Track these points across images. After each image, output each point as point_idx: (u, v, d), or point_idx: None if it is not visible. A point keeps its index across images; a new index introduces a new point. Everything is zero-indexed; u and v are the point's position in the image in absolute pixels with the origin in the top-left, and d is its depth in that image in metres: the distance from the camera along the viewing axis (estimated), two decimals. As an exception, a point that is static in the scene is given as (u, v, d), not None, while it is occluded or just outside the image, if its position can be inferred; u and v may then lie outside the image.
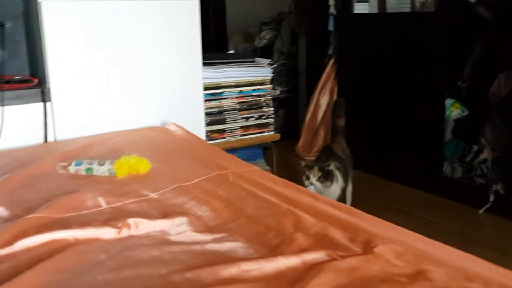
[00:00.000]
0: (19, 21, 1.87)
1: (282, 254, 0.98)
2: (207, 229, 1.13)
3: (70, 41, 1.84)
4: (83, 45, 1.86)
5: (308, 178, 2.18)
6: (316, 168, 2.18)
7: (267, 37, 4.41)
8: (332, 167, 2.19)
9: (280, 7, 4.53)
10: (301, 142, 3.62)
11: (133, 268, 0.95)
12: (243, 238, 1.07)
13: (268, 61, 2.43)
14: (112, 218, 1.16)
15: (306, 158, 3.47)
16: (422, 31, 2.82)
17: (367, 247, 0.99)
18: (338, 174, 2.27)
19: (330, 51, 3.51)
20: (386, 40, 3.05)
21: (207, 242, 1.06)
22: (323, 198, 1.29)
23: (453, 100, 2.83)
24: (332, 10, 3.43)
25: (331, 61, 3.49)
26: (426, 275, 0.88)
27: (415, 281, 0.86)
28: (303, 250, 1.00)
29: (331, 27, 3.46)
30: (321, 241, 1.03)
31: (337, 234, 1.06)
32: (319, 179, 2.16)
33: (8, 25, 1.84)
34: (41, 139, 1.83)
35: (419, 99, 2.88)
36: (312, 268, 0.91)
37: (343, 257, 0.96)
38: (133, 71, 1.99)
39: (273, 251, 1.00)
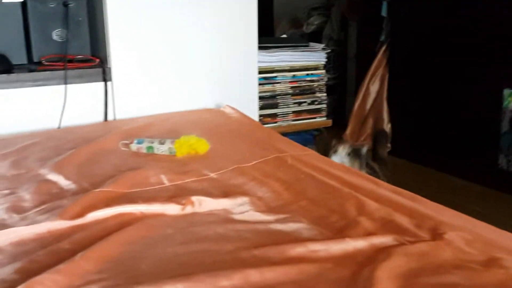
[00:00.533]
0: (82, 1, 1.92)
1: (348, 236, 0.97)
2: (269, 210, 1.13)
3: (131, 21, 1.87)
4: (144, 26, 1.89)
5: (336, 151, 2.01)
6: (348, 144, 2.04)
7: (316, 22, 4.36)
8: (365, 150, 2.04)
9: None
10: (348, 130, 3.57)
11: (201, 243, 0.97)
12: (307, 220, 1.07)
13: (322, 45, 2.41)
14: (175, 195, 1.18)
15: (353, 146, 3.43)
16: (480, 17, 2.73)
17: (436, 234, 0.97)
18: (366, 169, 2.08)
19: (382, 38, 3.44)
20: (442, 26, 2.97)
21: (270, 222, 1.07)
22: (385, 184, 1.27)
23: (511, 90, 2.73)
24: (386, -5, 3.35)
25: (383, 48, 3.42)
26: (499, 263, 0.86)
27: (488, 268, 0.84)
28: (369, 234, 0.99)
29: (384, 12, 3.39)
30: (386, 226, 1.02)
31: (403, 220, 1.04)
32: (348, 155, 2.00)
33: (71, 5, 1.89)
34: (101, 118, 1.88)
35: (476, 88, 2.79)
36: (381, 252, 0.90)
37: (411, 242, 0.94)
38: (191, 53, 2.00)
39: (339, 234, 1.00)
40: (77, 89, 1.83)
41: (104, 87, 1.87)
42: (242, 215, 1.11)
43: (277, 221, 1.07)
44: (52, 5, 1.87)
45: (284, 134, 2.33)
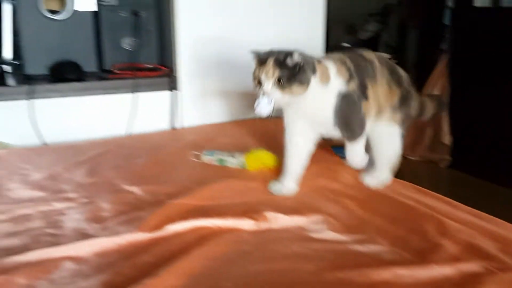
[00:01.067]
0: (152, 11, 1.95)
1: (431, 261, 0.95)
2: (345, 229, 1.11)
3: (199, 31, 1.89)
4: (211, 37, 1.90)
5: (259, 83, 1.19)
6: (271, 61, 1.18)
7: (372, 29, 4.30)
8: (302, 54, 1.18)
9: (386, -1, 4.38)
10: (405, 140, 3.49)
11: (280, 261, 0.97)
12: (385, 241, 1.04)
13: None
14: (249, 210, 1.18)
15: (410, 157, 3.35)
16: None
17: (525, 262, 0.93)
18: (332, 73, 1.24)
19: (444, 46, 3.35)
20: (508, 36, 2.86)
21: (348, 243, 1.05)
22: (462, 206, 1.22)
23: None
24: (449, 2, 3.26)
25: (444, 57, 3.32)
26: None
27: None
28: (454, 258, 0.96)
29: (446, 20, 3.30)
30: (471, 251, 0.98)
31: (487, 244, 1.01)
32: (278, 84, 1.17)
33: (142, 14, 1.93)
34: (167, 125, 1.91)
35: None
36: (470, 280, 0.87)
37: (501, 269, 0.91)
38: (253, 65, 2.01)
39: (421, 257, 0.97)
40: (145, 97, 1.86)
41: (171, 96, 1.90)
42: (318, 234, 1.09)
43: (355, 241, 1.05)
44: (123, 15, 1.92)
45: (341, 146, 2.29)
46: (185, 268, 0.92)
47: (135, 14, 1.92)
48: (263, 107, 1.18)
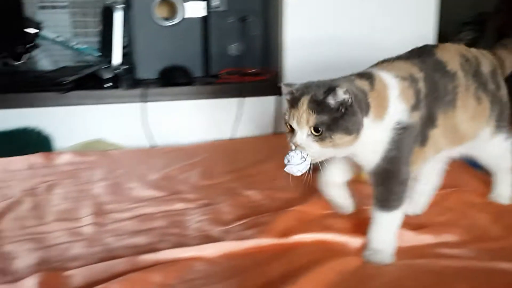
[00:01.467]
0: (257, 16, 1.96)
1: None
2: (481, 246, 1.03)
3: (306, 36, 1.85)
4: (317, 41, 1.87)
5: (291, 130, 0.89)
6: (305, 101, 0.87)
7: (467, 38, 4.12)
8: (350, 90, 0.88)
9: (481, 6, 4.18)
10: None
11: (424, 278, 0.91)
12: (533, 260, 0.96)
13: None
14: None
15: None
16: None
17: None
18: (392, 96, 0.94)
19: (552, 56, 3.13)
20: None
21: (489, 260, 0.97)
22: None
23: None
24: (558, 9, 3.05)
25: (552, 67, 3.10)
26: None
27: None
28: None
29: (555, 28, 3.08)
30: None
31: None
32: (315, 132, 0.86)
33: (249, 20, 1.94)
34: (271, 130, 1.90)
35: None
36: None
37: None
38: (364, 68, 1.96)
39: None
40: (249, 102, 1.87)
41: (275, 101, 1.89)
42: (453, 251, 1.02)
43: (497, 259, 0.97)
44: (231, 20, 1.94)
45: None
46: (319, 279, 0.89)
47: (243, 19, 1.93)
48: (295, 165, 0.87)
